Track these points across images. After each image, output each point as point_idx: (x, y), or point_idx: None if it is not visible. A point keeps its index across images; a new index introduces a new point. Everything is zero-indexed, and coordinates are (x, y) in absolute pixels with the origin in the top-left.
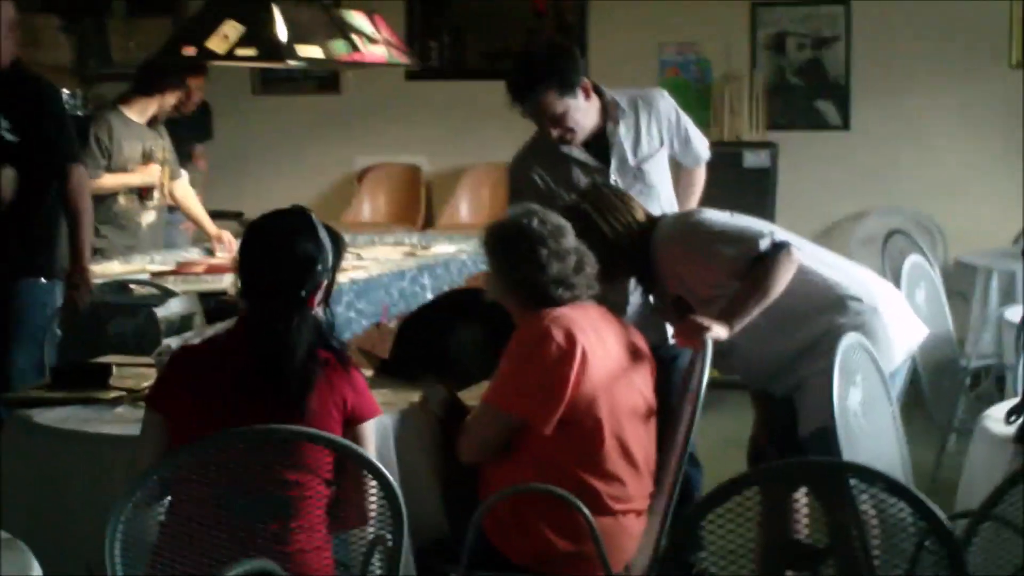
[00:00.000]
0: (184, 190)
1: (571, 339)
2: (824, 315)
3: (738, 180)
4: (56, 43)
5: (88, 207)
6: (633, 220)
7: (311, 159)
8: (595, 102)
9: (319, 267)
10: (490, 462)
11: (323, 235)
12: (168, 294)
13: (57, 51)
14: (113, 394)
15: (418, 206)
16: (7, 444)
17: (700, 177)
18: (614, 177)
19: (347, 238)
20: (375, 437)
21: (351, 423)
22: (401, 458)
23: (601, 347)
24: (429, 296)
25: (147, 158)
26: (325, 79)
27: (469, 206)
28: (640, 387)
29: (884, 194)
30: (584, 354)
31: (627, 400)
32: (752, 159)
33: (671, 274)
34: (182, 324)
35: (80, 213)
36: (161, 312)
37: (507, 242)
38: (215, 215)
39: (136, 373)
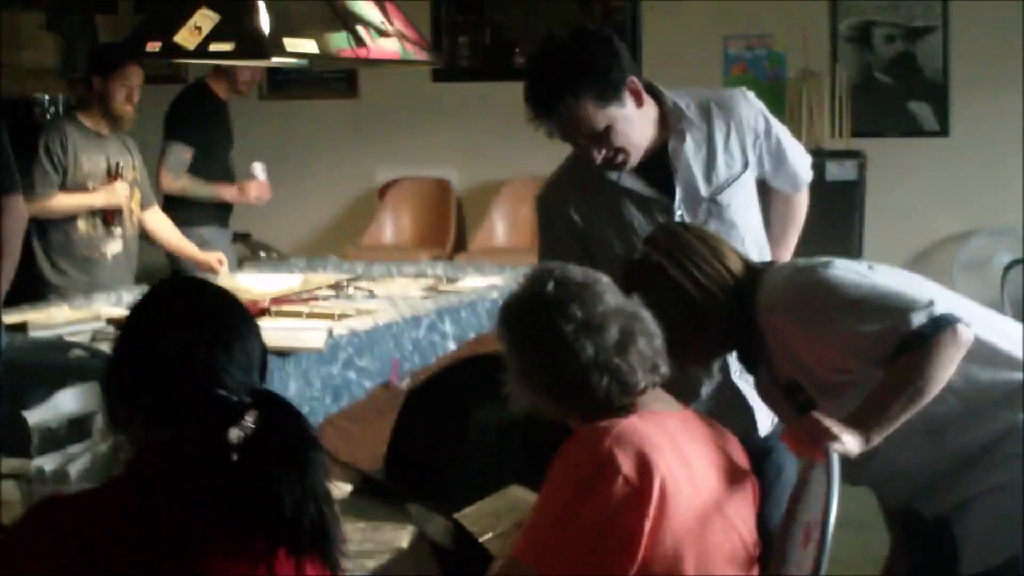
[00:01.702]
0: (158, 220)
1: (645, 470)
2: (1004, 410)
3: (819, 196)
4: (40, 43)
5: (16, 252)
6: (726, 272)
7: (326, 172)
8: (650, 108)
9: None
10: None
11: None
12: (98, 358)
13: (41, 51)
14: None
15: (448, 226)
16: None
17: (800, 207)
18: (679, 213)
19: (359, 268)
20: None
21: None
22: None
23: (687, 476)
24: (451, 346)
25: (112, 175)
26: (341, 81)
27: (506, 226)
28: (740, 526)
29: (990, 211)
30: (663, 491)
31: (722, 547)
32: (836, 171)
33: (781, 350)
34: (69, 431)
35: (5, 257)
36: (36, 416)
37: (520, 322)
38: None
39: None
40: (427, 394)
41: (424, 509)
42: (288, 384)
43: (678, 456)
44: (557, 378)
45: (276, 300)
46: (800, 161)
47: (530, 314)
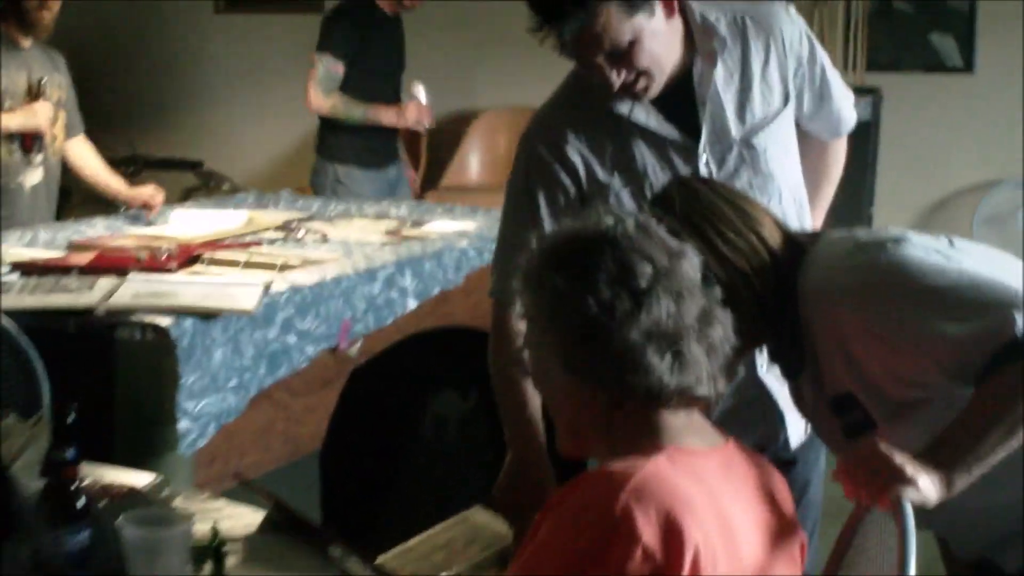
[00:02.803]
0: (81, 152)
1: (673, 538)
2: None
3: None
4: None
5: None
6: (761, 245)
7: (287, 95)
8: (677, 25)
9: None
10: None
11: None
12: None
13: None
14: None
15: (415, 160)
16: None
17: (838, 158)
18: (705, 158)
19: (315, 205)
20: None
21: None
22: None
23: (726, 542)
24: (412, 304)
25: (33, 94)
26: None
27: (481, 161)
28: None
29: (1018, 158)
30: (696, 567)
31: None
32: None
33: (833, 352)
34: None
35: None
36: None
37: (578, 256)
38: (168, 164)
39: None
40: (373, 375)
41: (350, 555)
42: (213, 352)
43: (716, 515)
44: (607, 339)
45: (212, 244)
46: (844, 99)
47: (596, 247)
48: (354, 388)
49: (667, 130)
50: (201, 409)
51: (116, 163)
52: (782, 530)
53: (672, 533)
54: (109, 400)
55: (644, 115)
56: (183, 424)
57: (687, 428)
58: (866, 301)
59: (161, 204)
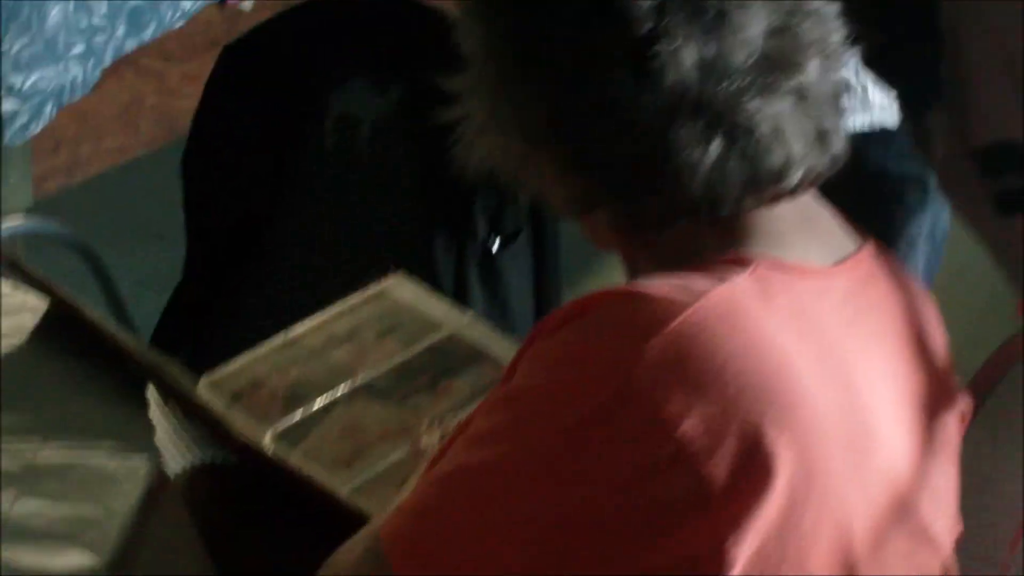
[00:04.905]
0: None
1: (753, 454)
2: None
3: None
4: None
5: None
6: None
7: None
8: None
9: None
10: None
11: None
12: None
13: None
14: None
15: None
16: None
17: None
18: None
19: None
20: None
21: None
22: None
23: (851, 437)
24: None
25: None
26: None
27: None
28: (937, 532)
29: None
30: (793, 497)
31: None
32: None
33: (994, 70)
34: None
35: None
36: None
37: None
38: None
39: None
40: (253, 53)
41: (174, 367)
42: (47, 10)
43: (838, 393)
44: (597, 129)
45: None
46: None
47: None
48: (226, 72)
49: None
50: (33, 84)
51: None
52: (938, 399)
53: (750, 449)
54: None
55: None
56: (8, 105)
57: (790, 227)
58: None
59: None
